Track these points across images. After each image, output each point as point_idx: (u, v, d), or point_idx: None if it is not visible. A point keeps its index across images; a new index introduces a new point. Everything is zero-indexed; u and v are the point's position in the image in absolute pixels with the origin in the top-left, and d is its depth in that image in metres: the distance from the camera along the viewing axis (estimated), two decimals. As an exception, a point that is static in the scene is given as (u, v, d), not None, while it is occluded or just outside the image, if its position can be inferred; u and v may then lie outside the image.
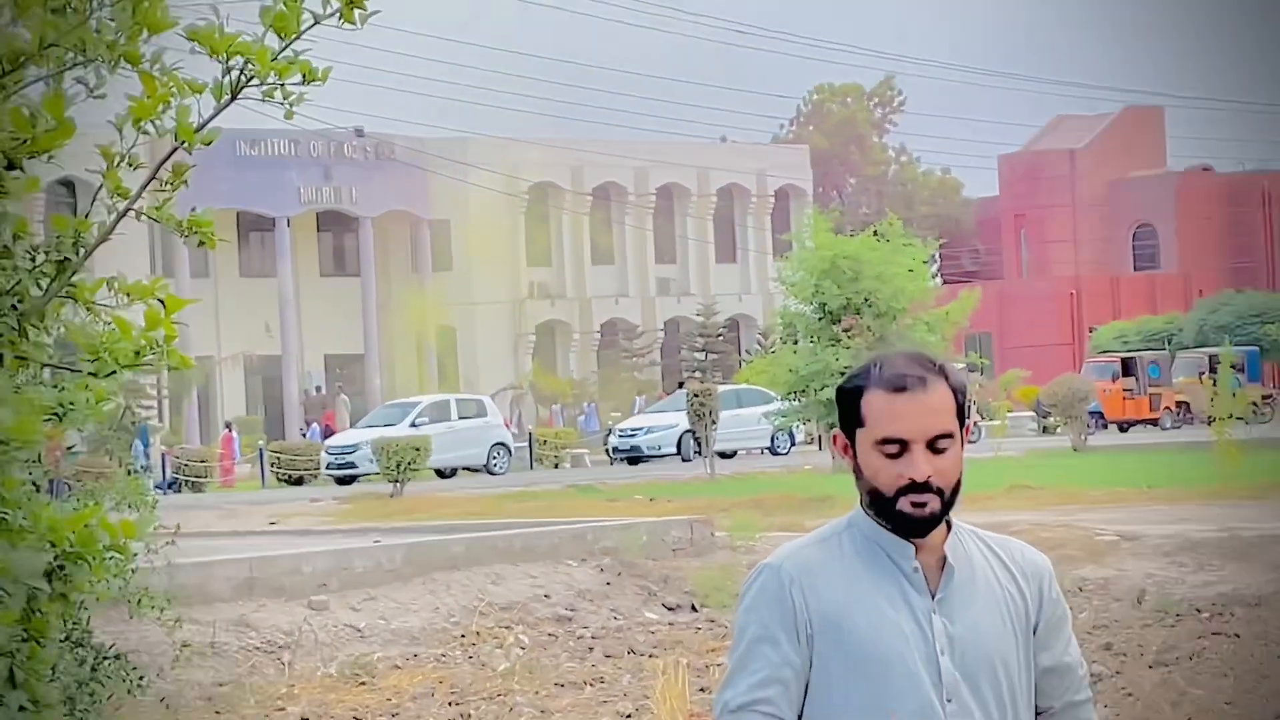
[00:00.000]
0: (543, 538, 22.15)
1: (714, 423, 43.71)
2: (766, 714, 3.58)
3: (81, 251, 3.98)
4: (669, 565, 21.88)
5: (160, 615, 12.51)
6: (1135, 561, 21.31)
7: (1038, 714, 3.77)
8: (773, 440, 52.82)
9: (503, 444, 52.15)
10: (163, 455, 53.62)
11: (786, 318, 45.92)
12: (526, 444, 56.04)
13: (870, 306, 43.04)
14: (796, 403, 44.70)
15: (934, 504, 3.60)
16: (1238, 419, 34.73)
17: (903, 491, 3.59)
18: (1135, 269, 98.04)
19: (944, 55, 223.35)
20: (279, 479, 50.89)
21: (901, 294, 43.11)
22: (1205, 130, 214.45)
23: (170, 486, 48.66)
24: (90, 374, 4.01)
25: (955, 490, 3.63)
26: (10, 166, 3.93)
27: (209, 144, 3.99)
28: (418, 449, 41.45)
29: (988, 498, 28.22)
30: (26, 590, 3.71)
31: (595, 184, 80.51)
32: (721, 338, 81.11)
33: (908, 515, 3.60)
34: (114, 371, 4.00)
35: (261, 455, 52.67)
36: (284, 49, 3.99)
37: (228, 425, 62.50)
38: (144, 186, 4.07)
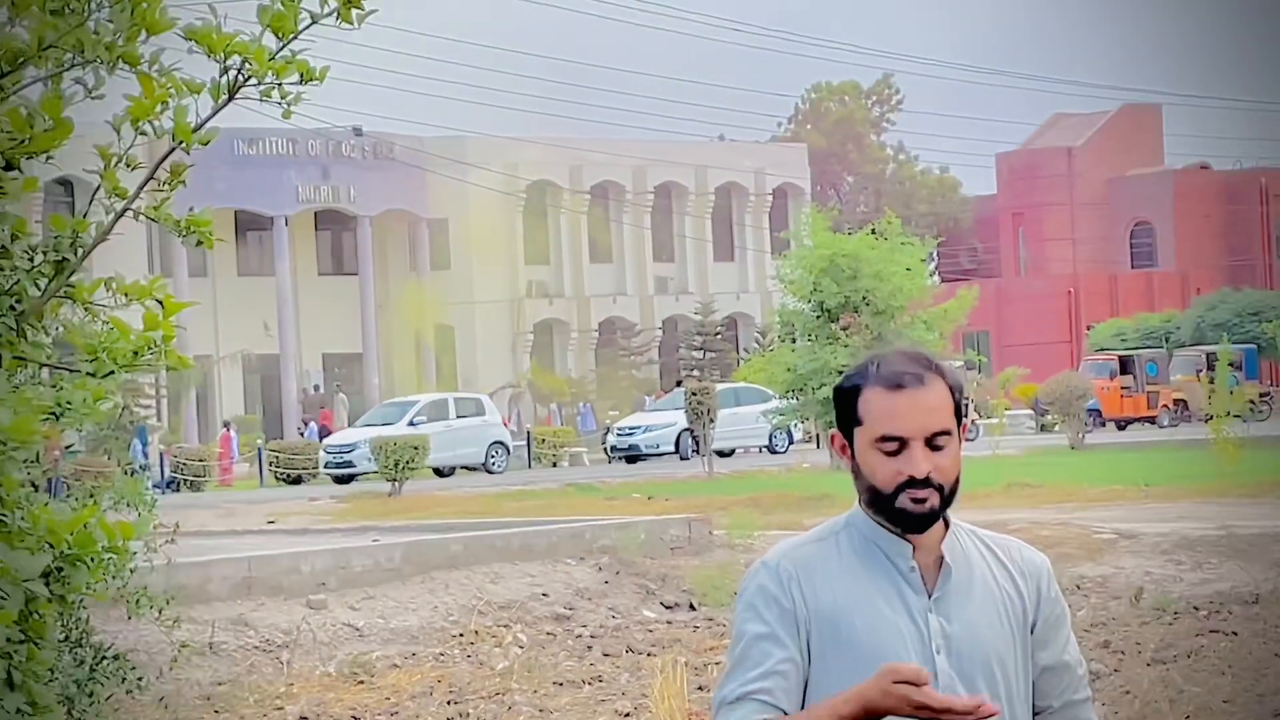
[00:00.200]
0: (541, 536, 22.16)
1: (712, 421, 43.73)
2: (764, 703, 3.57)
3: (80, 251, 3.98)
4: (667, 564, 21.88)
5: (159, 615, 12.51)
6: (1133, 559, 21.33)
7: (1037, 713, 3.76)
8: (771, 439, 52.81)
9: (501, 443, 52.14)
10: (161, 454, 53.61)
11: (785, 316, 45.95)
12: (525, 443, 56.03)
13: (868, 305, 43.07)
14: (794, 401, 44.73)
15: (933, 500, 3.61)
16: (1235, 417, 34.74)
17: (902, 488, 3.60)
18: (1133, 267, 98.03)
19: (942, 54, 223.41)
20: (277, 478, 50.87)
21: (900, 292, 43.14)
22: (1203, 128, 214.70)
23: (168, 486, 48.63)
24: (88, 374, 4.01)
25: (954, 487, 3.64)
26: (8, 167, 3.93)
27: (207, 144, 4.00)
28: (416, 448, 41.46)
29: (986, 496, 28.23)
30: (24, 591, 3.71)
31: (593, 183, 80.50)
32: (719, 336, 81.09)
33: (907, 511, 3.60)
34: (112, 371, 4.01)
35: (260, 454, 52.66)
36: (282, 48, 3.99)
37: (226, 424, 62.49)
38: (142, 186, 4.07)
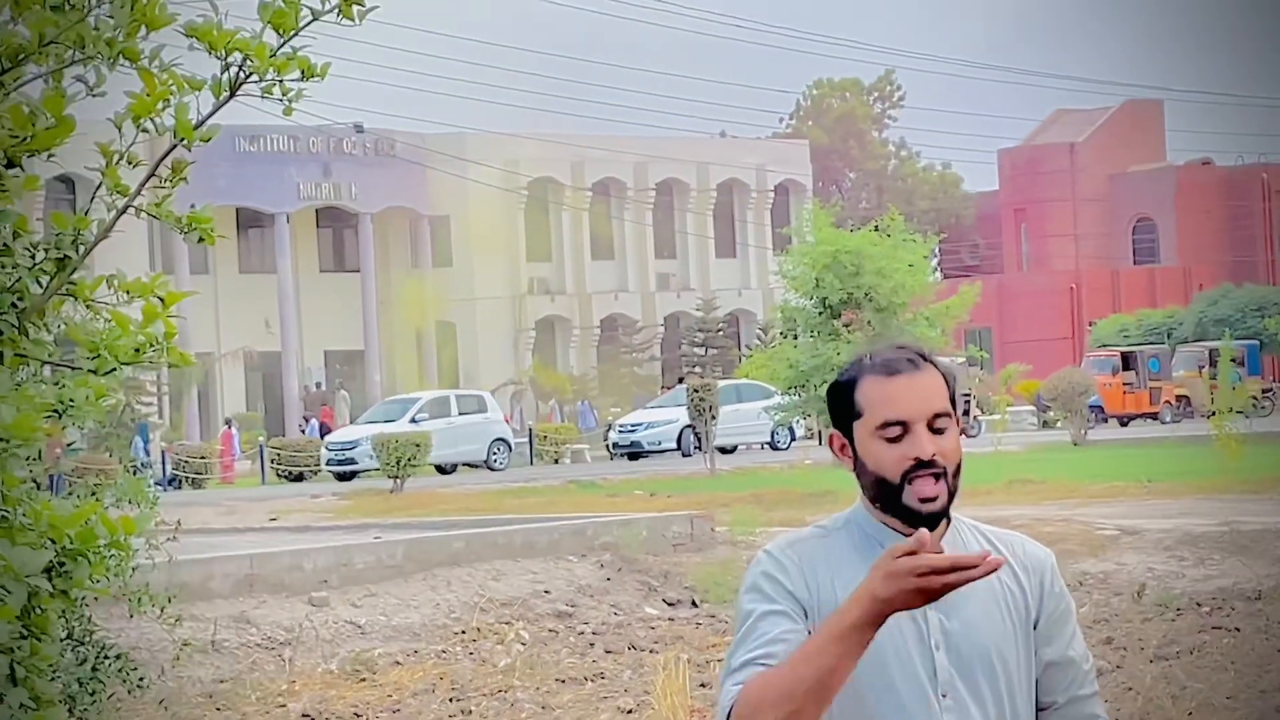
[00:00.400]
0: (543, 533, 22.16)
1: (714, 418, 43.72)
2: (768, 667, 3.54)
3: (81, 249, 3.98)
4: (669, 561, 21.88)
5: (160, 613, 12.51)
6: (1135, 556, 21.32)
7: (1042, 709, 3.75)
8: (773, 435, 52.79)
9: (503, 439, 52.15)
10: (163, 452, 53.62)
11: (787, 312, 45.94)
12: (527, 439, 56.03)
13: (871, 301, 43.08)
14: (796, 397, 44.71)
15: (941, 496, 3.60)
16: (1237, 413, 34.75)
17: (909, 473, 3.59)
18: (1135, 263, 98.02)
19: (943, 50, 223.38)
20: (279, 475, 50.88)
21: (902, 289, 43.16)
22: (1205, 124, 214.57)
23: (170, 483, 48.64)
24: (90, 371, 4.01)
25: (957, 478, 3.63)
26: (10, 164, 3.94)
27: (208, 141, 4.00)
28: (418, 445, 41.47)
29: (988, 492, 28.22)
30: (27, 587, 3.71)
31: (595, 179, 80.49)
32: (721, 333, 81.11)
33: (915, 510, 3.60)
34: (114, 368, 4.01)
35: (261, 451, 52.67)
36: (283, 45, 3.99)
37: (227, 422, 62.52)
38: (143, 183, 4.07)
